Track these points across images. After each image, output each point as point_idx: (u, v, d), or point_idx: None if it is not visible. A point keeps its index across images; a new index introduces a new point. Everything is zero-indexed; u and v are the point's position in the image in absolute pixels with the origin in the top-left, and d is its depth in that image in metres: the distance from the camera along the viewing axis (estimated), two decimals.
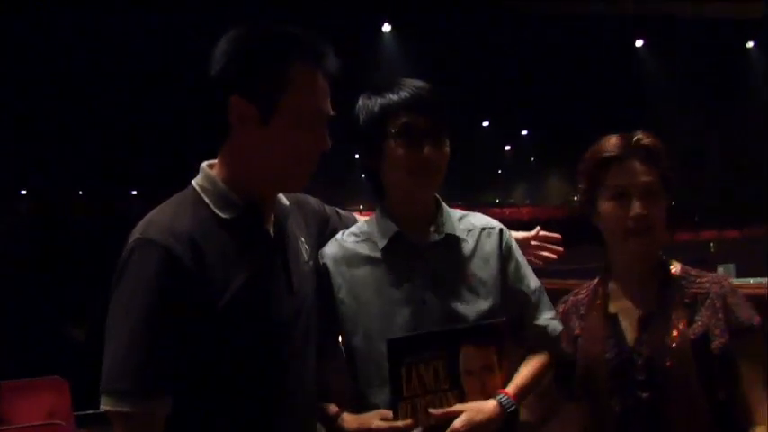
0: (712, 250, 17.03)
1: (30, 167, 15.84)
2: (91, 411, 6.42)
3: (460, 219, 2.00)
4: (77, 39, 14.34)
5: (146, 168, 18.09)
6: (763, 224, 20.67)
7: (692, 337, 1.82)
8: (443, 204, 1.99)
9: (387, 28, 18.90)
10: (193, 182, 1.64)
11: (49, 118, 15.22)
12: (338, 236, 1.98)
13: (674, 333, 1.84)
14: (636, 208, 1.87)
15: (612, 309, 1.97)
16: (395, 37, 19.31)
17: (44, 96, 14.73)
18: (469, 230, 1.97)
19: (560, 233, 2.29)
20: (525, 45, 17.98)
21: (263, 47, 1.57)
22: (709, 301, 1.86)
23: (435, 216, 1.95)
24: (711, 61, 18.51)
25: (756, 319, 1.84)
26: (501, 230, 1.99)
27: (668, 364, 1.81)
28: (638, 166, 1.90)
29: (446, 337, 1.80)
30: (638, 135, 1.93)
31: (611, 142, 1.94)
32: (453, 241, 1.93)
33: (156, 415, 1.46)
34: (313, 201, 1.99)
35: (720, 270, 5.30)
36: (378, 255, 1.91)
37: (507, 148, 26.12)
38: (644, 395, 1.83)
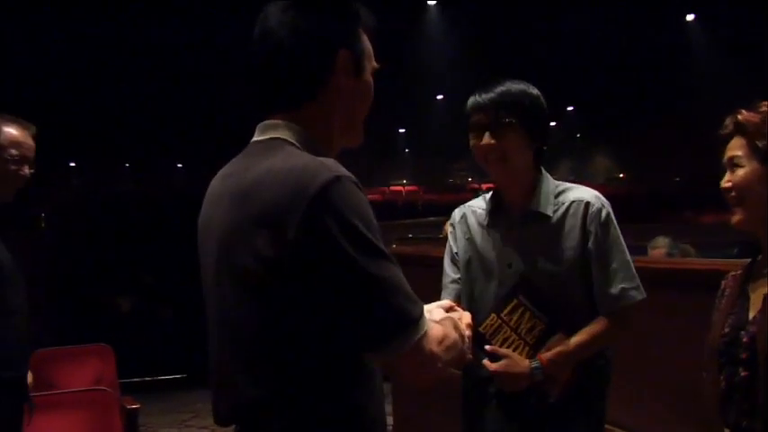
0: None
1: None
2: (134, 379, 6.54)
3: (559, 194, 2.28)
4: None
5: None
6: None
7: None
8: (543, 182, 2.28)
9: (432, 1, 18.77)
10: (278, 135, 1.55)
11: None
12: (470, 203, 2.45)
13: None
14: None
15: (752, 288, 1.86)
16: (439, 10, 19.16)
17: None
18: (562, 204, 2.25)
19: None
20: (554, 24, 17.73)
21: (349, 7, 1.60)
22: None
23: (531, 194, 2.27)
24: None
25: None
26: (587, 204, 2.22)
27: (761, 347, 1.70)
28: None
29: (555, 316, 2.19)
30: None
31: None
32: (540, 217, 2.24)
33: None
34: None
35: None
36: (486, 221, 2.35)
37: (553, 123, 25.84)
38: (742, 374, 1.76)
